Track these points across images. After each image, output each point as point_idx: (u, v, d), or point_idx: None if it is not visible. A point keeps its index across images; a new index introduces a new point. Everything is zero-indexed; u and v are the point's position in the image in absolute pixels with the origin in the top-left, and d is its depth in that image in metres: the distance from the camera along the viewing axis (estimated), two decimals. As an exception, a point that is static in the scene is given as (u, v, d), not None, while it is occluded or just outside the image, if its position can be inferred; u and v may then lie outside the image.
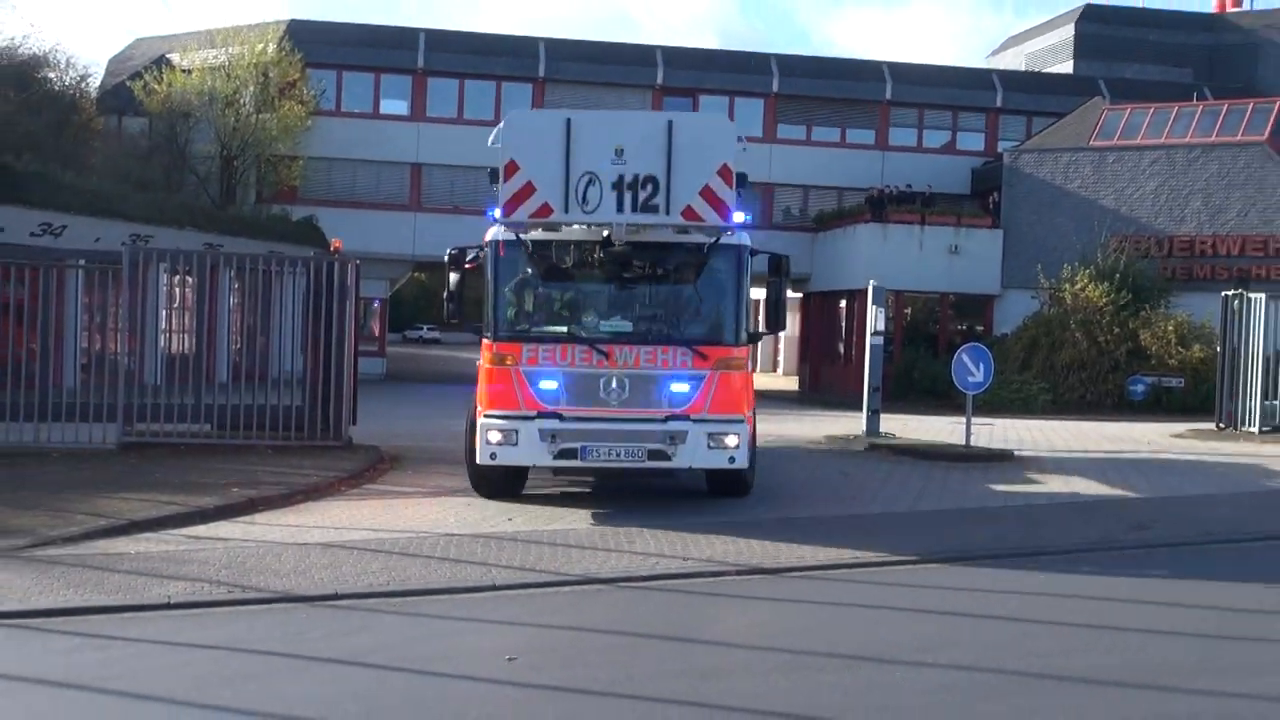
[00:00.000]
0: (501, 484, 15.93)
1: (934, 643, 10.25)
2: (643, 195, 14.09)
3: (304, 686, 8.84)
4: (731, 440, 14.72)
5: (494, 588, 11.73)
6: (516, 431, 14.69)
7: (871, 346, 24.41)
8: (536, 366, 14.80)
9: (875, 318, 24.44)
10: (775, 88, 46.21)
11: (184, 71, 41.47)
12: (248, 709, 8.17)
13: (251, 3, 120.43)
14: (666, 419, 14.69)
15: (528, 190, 14.23)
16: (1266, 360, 26.90)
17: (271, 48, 41.81)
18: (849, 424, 25.97)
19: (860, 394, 25.57)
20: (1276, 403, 27.08)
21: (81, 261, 22.06)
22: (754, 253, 15.59)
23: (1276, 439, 26.07)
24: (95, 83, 44.01)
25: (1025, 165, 41.24)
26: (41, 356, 20.46)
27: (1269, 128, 38.86)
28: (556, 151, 14.14)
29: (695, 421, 14.66)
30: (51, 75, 39.42)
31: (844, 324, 42.62)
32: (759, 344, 60.76)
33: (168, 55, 43.45)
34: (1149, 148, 39.83)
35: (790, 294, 52.42)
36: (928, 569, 13.20)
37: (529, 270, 15.26)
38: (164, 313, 22.08)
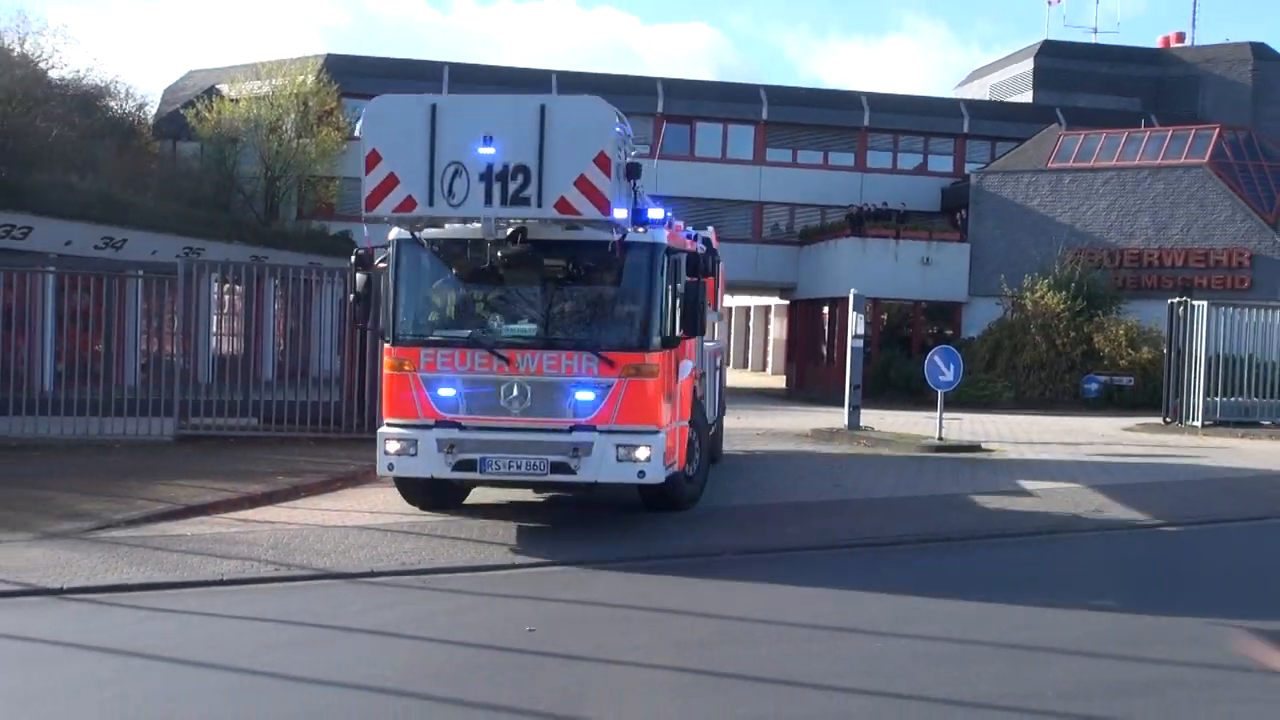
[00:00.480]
0: (431, 495, 13.95)
1: (910, 616, 10.24)
2: (513, 186, 11.66)
3: (345, 655, 8.84)
4: (642, 453, 12.39)
5: (514, 566, 11.74)
6: (415, 441, 12.55)
7: (852, 349, 24.41)
8: (435, 373, 12.62)
9: (855, 323, 24.43)
10: (765, 115, 46.12)
11: (232, 101, 41.36)
12: (294, 675, 8.17)
13: (293, 39, 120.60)
14: (571, 429, 12.43)
15: (390, 183, 11.88)
16: (1209, 361, 26.90)
17: (311, 79, 41.70)
18: (832, 418, 25.94)
19: (841, 391, 25.55)
20: (1217, 399, 27.07)
21: (140, 272, 22.07)
22: (671, 251, 13.22)
23: (1217, 432, 26.10)
24: (152, 111, 43.91)
25: (990, 185, 41.19)
26: (105, 357, 20.52)
27: (1209, 151, 38.79)
28: (421, 140, 11.75)
29: (602, 432, 12.38)
30: (113, 104, 39.33)
31: (826, 328, 42.57)
32: (749, 345, 61.08)
33: (218, 86, 43.37)
34: (1101, 170, 39.77)
35: (778, 301, 52.65)
36: (901, 550, 13.21)
37: (428, 272, 13.16)
38: (215, 318, 22.12)
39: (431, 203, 11.85)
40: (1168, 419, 27.92)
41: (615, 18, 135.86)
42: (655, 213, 13.21)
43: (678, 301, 13.27)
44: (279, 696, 7.86)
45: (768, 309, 58.65)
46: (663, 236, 13.09)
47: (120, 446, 18.36)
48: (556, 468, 12.44)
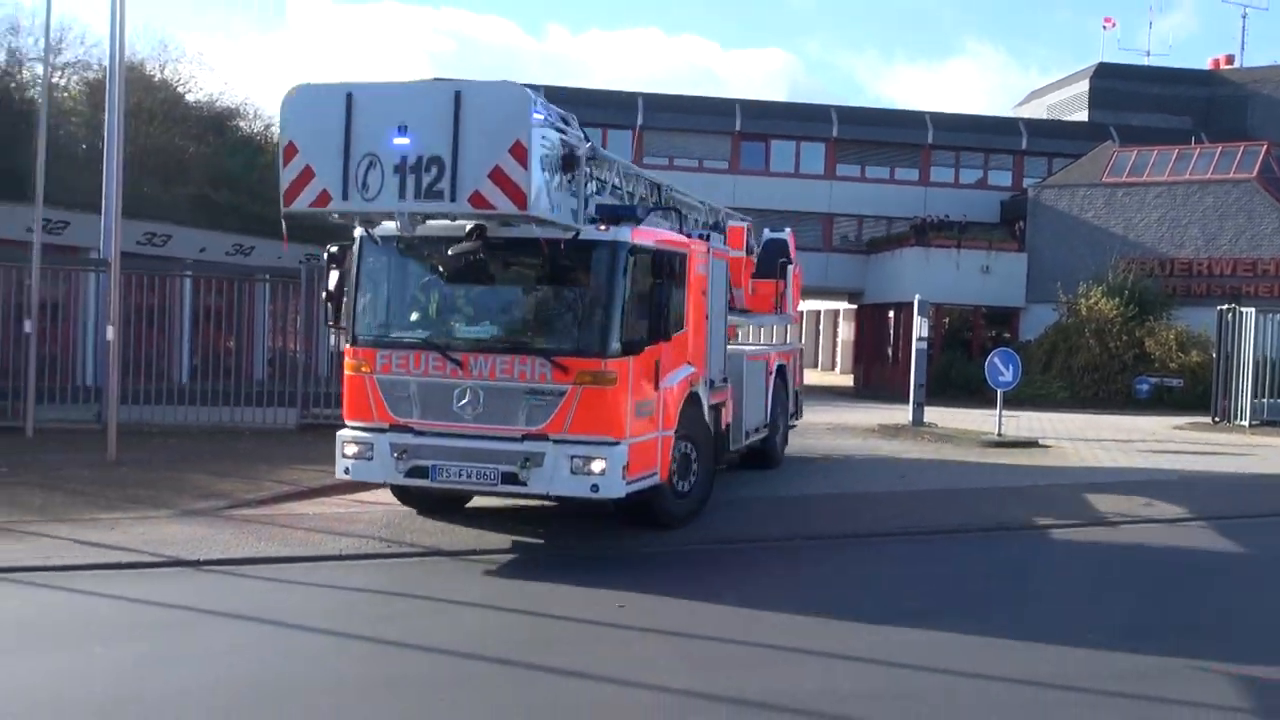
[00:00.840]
0: (419, 498, 12.67)
1: (970, 600, 10.13)
2: (426, 179, 10.05)
3: (450, 624, 8.94)
4: (597, 465, 10.62)
5: (610, 545, 11.76)
6: (371, 445, 11.19)
7: (917, 350, 24.18)
8: (390, 375, 11.15)
9: (920, 326, 24.19)
10: (835, 133, 45.75)
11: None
12: (404, 642, 8.28)
13: (404, 65, 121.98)
14: (523, 438, 10.74)
15: (307, 175, 10.42)
16: (1256, 364, 26.29)
17: (420, 101, 42.03)
18: (897, 415, 25.68)
19: (905, 389, 25.33)
20: (1264, 400, 26.44)
21: (267, 276, 22.50)
22: (639, 251, 11.14)
23: (1264, 431, 25.46)
24: (277, 130, 44.64)
25: (1046, 199, 40.55)
26: (236, 353, 20.91)
27: (1257, 167, 37.86)
28: (336, 131, 10.23)
29: (555, 442, 10.69)
30: (242, 123, 40.06)
31: (892, 331, 42.15)
32: (819, 346, 60.65)
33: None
34: (1153, 184, 38.97)
35: (846, 305, 52.23)
36: (961, 538, 13.07)
37: (386, 271, 11.61)
38: (333, 318, 22.35)
39: (346, 196, 10.37)
40: (1216, 419, 27.29)
41: (697, 44, 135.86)
42: (624, 211, 11.39)
43: (650, 304, 11.19)
44: (391, 661, 7.98)
45: (837, 313, 58.25)
46: (627, 235, 11.07)
47: (249, 434, 18.68)
48: (507, 478, 10.80)
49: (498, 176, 9.95)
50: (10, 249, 19.77)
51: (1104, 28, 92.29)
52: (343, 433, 11.52)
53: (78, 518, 12.04)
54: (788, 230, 19.11)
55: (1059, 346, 35.81)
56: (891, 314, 42.02)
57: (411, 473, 11.09)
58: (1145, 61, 54.98)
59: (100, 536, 11.23)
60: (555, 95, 44.95)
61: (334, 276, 11.70)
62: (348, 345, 11.64)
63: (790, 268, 18.63)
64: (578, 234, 10.89)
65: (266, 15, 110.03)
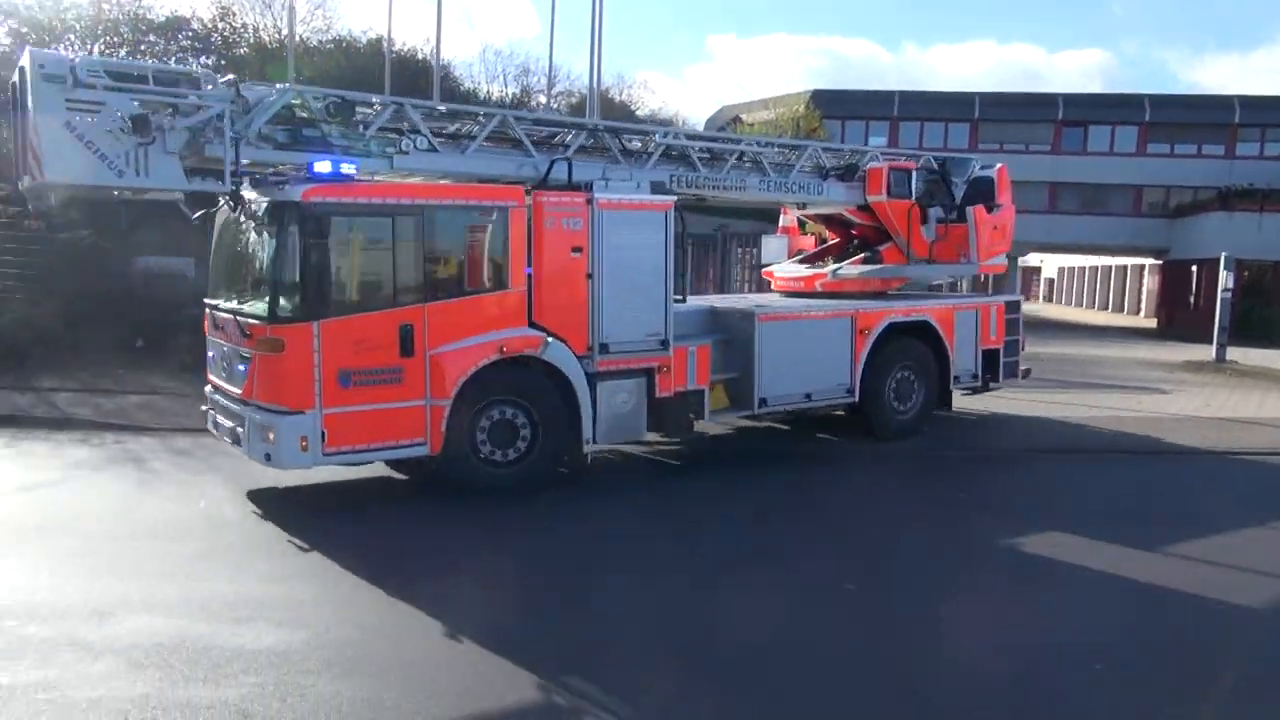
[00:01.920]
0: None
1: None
2: (31, 156, 7.59)
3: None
4: (270, 435, 7.90)
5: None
6: (206, 400, 9.18)
7: (1221, 299, 21.01)
8: (208, 336, 9.07)
9: (1225, 279, 20.97)
10: (1147, 118, 40.45)
11: (749, 125, 41.68)
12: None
13: (790, 79, 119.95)
14: (241, 401, 8.34)
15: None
16: None
17: (801, 108, 41.16)
18: (1199, 353, 22.48)
19: (1204, 331, 22.17)
20: None
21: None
22: (320, 209, 7.76)
23: None
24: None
25: (1352, 167, 33.92)
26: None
27: None
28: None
29: (253, 408, 8.14)
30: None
31: (1194, 283, 37.07)
32: (1125, 295, 54.36)
33: (740, 116, 43.96)
34: None
35: (1150, 261, 46.29)
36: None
37: (213, 239, 9.14)
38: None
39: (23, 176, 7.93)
40: None
41: (1026, 50, 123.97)
42: (322, 165, 8.09)
43: (383, 264, 8.15)
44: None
45: (1142, 267, 51.97)
46: (296, 194, 7.85)
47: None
48: (235, 437, 8.41)
49: (31, 146, 7.43)
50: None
51: None
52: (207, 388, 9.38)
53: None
54: (998, 166, 13.01)
55: (1358, 297, 30.05)
56: (1194, 268, 36.93)
57: (215, 426, 8.91)
58: None
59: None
60: (907, 99, 42.86)
61: None
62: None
63: (973, 210, 12.39)
64: (232, 194, 8.01)
65: (692, 52, 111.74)
